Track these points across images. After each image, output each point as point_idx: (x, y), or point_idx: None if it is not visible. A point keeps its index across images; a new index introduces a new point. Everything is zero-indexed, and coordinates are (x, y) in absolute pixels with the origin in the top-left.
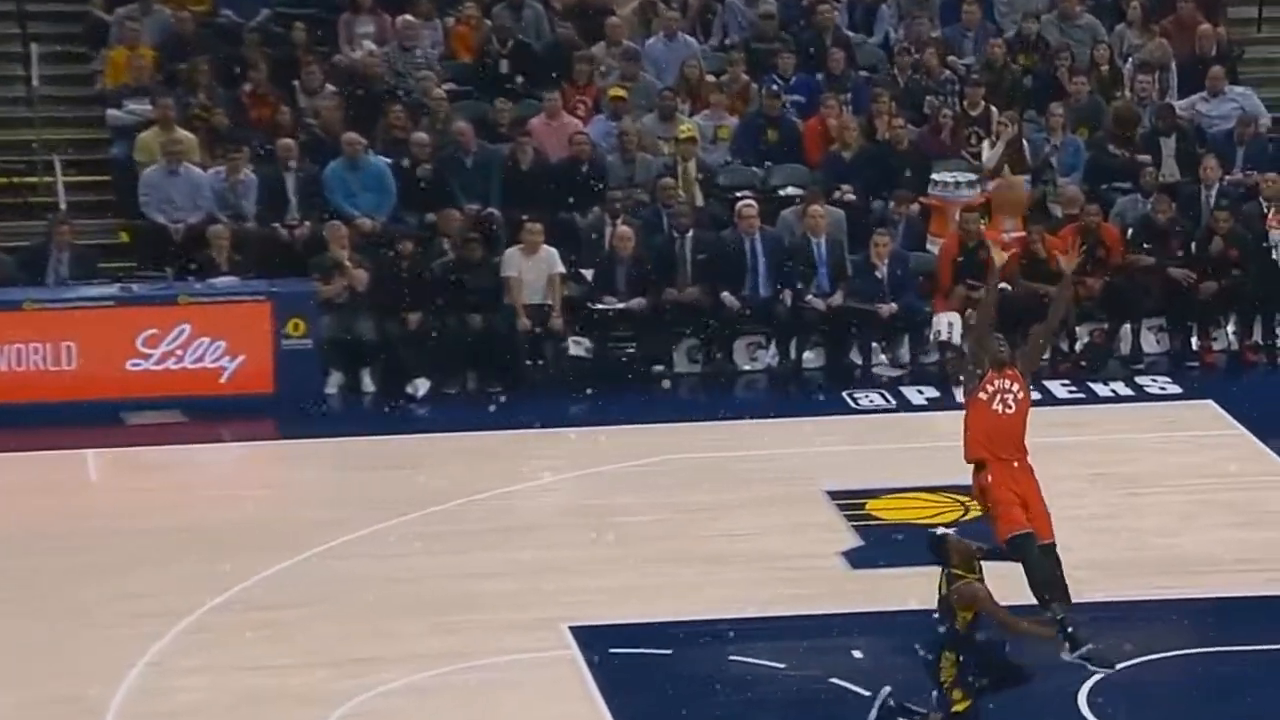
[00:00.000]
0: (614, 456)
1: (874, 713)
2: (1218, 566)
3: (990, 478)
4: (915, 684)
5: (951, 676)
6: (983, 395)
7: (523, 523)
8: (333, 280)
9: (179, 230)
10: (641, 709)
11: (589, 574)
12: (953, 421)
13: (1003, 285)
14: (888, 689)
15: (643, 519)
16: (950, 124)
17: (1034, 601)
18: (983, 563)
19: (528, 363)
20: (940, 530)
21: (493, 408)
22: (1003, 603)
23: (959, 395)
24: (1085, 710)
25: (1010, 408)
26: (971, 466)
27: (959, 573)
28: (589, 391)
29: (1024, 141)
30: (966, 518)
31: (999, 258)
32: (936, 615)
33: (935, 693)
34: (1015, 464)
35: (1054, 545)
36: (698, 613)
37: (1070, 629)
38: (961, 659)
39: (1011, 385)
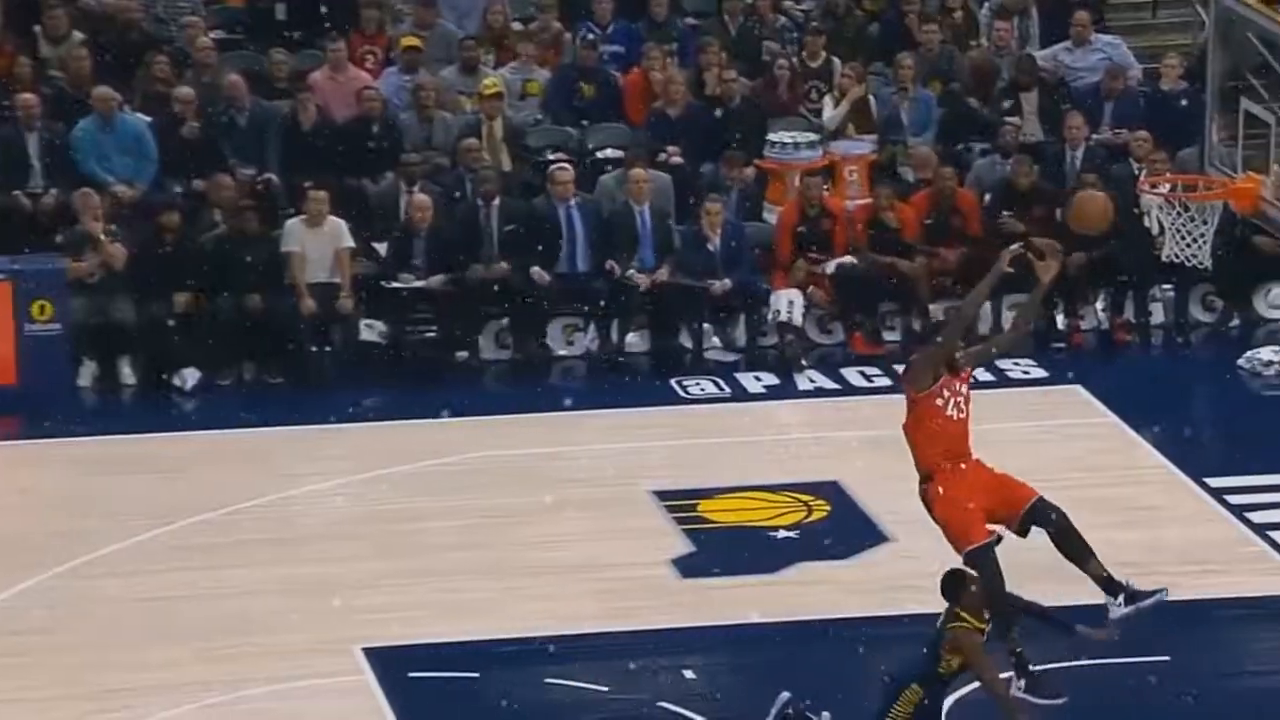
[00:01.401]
0: (411, 455)
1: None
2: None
3: (941, 489)
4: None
5: (905, 713)
6: (939, 401)
7: (305, 533)
8: (85, 257)
9: None
10: None
11: (383, 590)
12: (794, 411)
13: (846, 258)
14: (786, 695)
15: (444, 525)
16: (788, 77)
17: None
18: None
19: (313, 349)
20: (963, 570)
21: (271, 401)
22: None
23: (800, 382)
24: None
25: (963, 411)
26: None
27: (965, 617)
28: (383, 382)
29: (870, 97)
30: (810, 519)
31: (1044, 271)
32: (925, 649)
33: None
34: (963, 465)
35: (1040, 502)
36: (509, 631)
37: (1029, 665)
38: (925, 701)
39: (962, 388)
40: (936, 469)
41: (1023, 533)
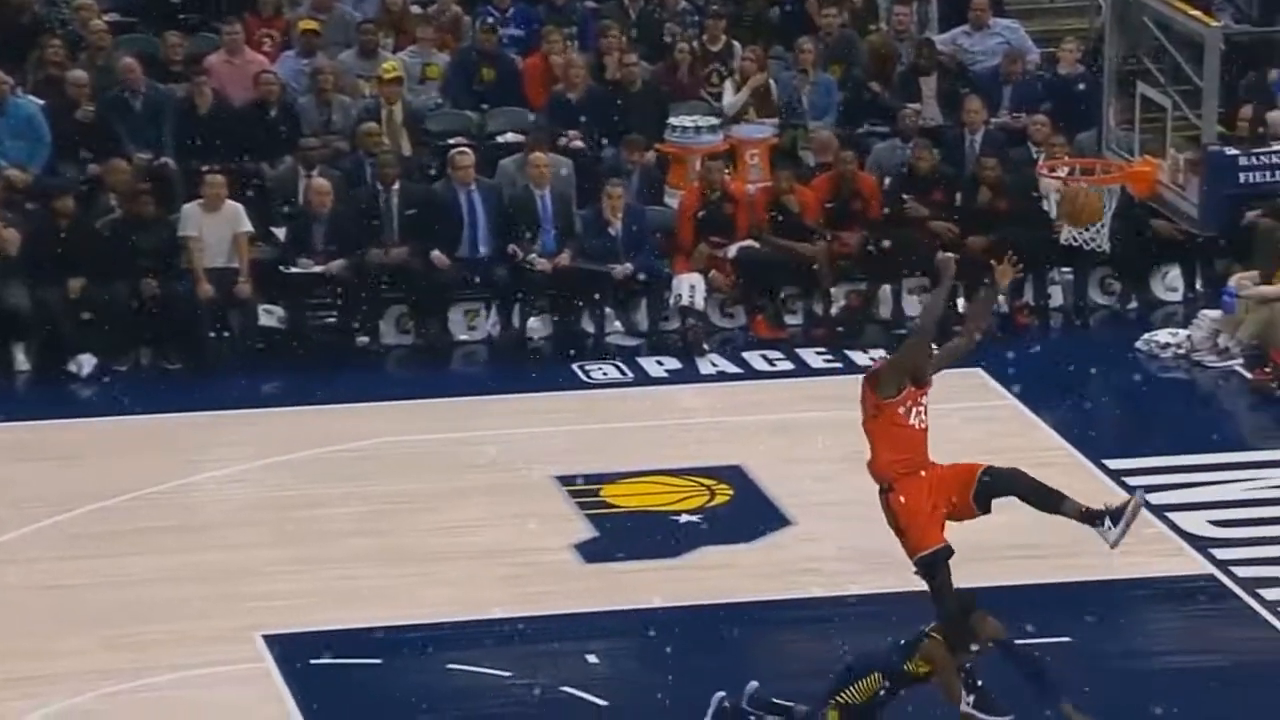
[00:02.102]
0: (312, 441)
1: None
2: (993, 554)
3: (903, 499)
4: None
5: (860, 699)
6: (902, 410)
7: (206, 520)
8: None
9: None
10: None
11: (284, 577)
12: (697, 396)
13: (748, 242)
14: (721, 694)
15: (346, 511)
16: (688, 61)
17: None
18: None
19: (211, 335)
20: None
21: (169, 387)
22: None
23: (703, 366)
24: None
25: (924, 421)
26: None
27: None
28: (282, 367)
29: (771, 82)
30: (713, 503)
31: (1002, 275)
32: (901, 642)
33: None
34: (922, 472)
35: (986, 474)
36: (411, 617)
37: (979, 685)
38: (882, 692)
39: (924, 398)
40: (896, 478)
41: (985, 511)
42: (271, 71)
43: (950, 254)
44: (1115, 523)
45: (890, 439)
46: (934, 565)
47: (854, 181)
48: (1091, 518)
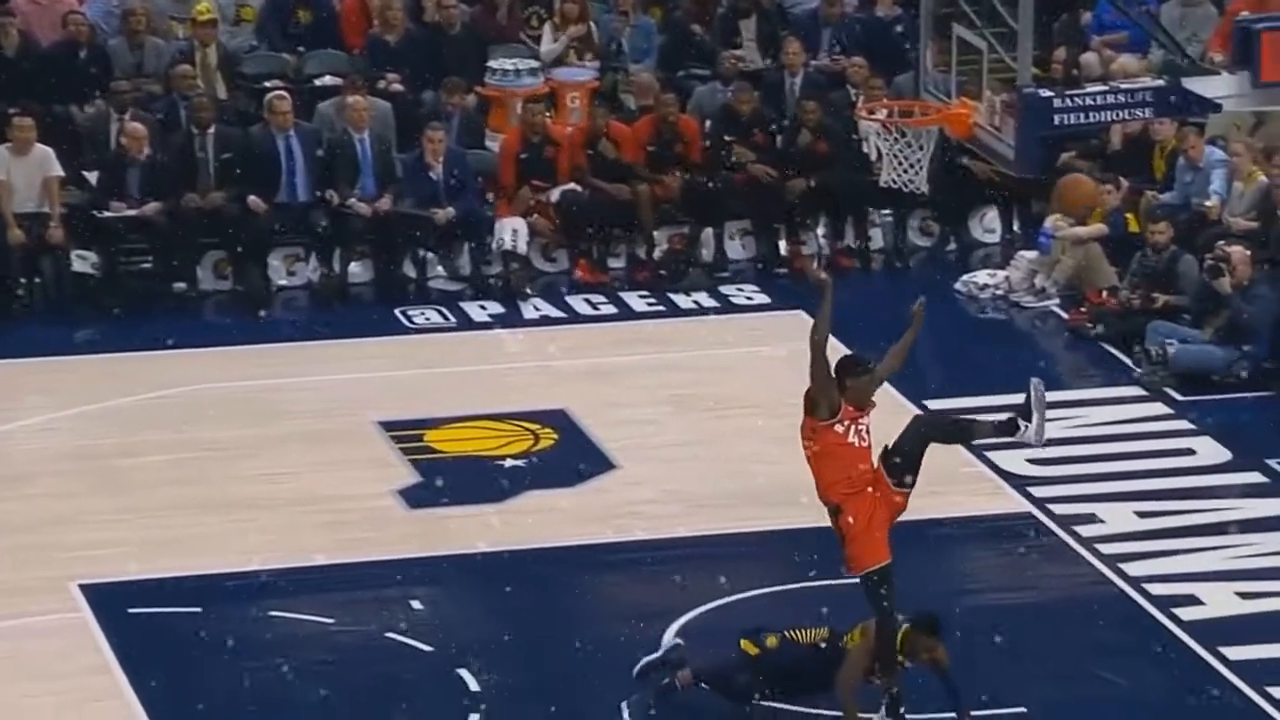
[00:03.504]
0: (127, 389)
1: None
2: (810, 495)
3: (851, 520)
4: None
5: (803, 639)
6: (839, 429)
7: (16, 470)
8: None
9: None
10: (169, 676)
11: (99, 526)
12: (520, 340)
13: (570, 185)
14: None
15: (164, 459)
16: (508, 3)
17: None
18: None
19: (21, 281)
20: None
21: None
22: None
23: (526, 310)
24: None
25: (865, 440)
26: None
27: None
28: (97, 314)
29: (591, 24)
30: (537, 447)
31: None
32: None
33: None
34: (869, 489)
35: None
36: (231, 565)
37: (898, 705)
38: (823, 645)
39: (864, 417)
40: (844, 499)
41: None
42: (80, 12)
43: (825, 276)
44: (1028, 418)
45: (833, 460)
46: (879, 583)
47: (675, 125)
48: (1007, 428)
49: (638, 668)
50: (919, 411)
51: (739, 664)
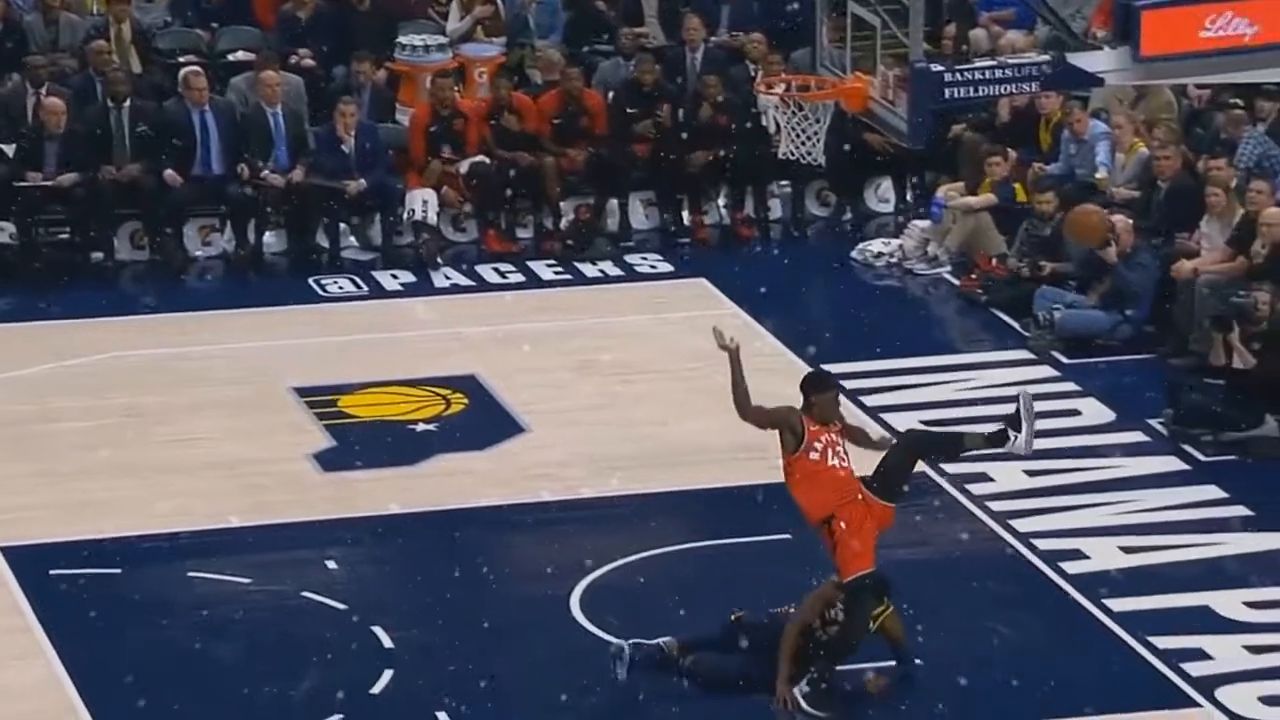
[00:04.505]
0: (43, 356)
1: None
2: (713, 456)
3: (843, 524)
4: None
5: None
6: (814, 455)
7: None
8: None
9: None
10: (89, 634)
11: (18, 490)
12: (431, 308)
13: (479, 157)
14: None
15: (82, 426)
16: None
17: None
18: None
19: None
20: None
21: None
22: None
23: (437, 279)
24: (578, 614)
25: (843, 457)
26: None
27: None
28: (13, 283)
29: (498, 2)
30: (449, 412)
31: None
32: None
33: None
34: (859, 496)
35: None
36: (150, 527)
37: (823, 687)
38: (790, 608)
39: (836, 437)
40: (836, 508)
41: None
42: None
43: (732, 343)
44: (1017, 428)
45: (813, 485)
46: (861, 590)
47: (580, 98)
48: (997, 439)
49: (626, 651)
50: (909, 428)
51: (729, 632)
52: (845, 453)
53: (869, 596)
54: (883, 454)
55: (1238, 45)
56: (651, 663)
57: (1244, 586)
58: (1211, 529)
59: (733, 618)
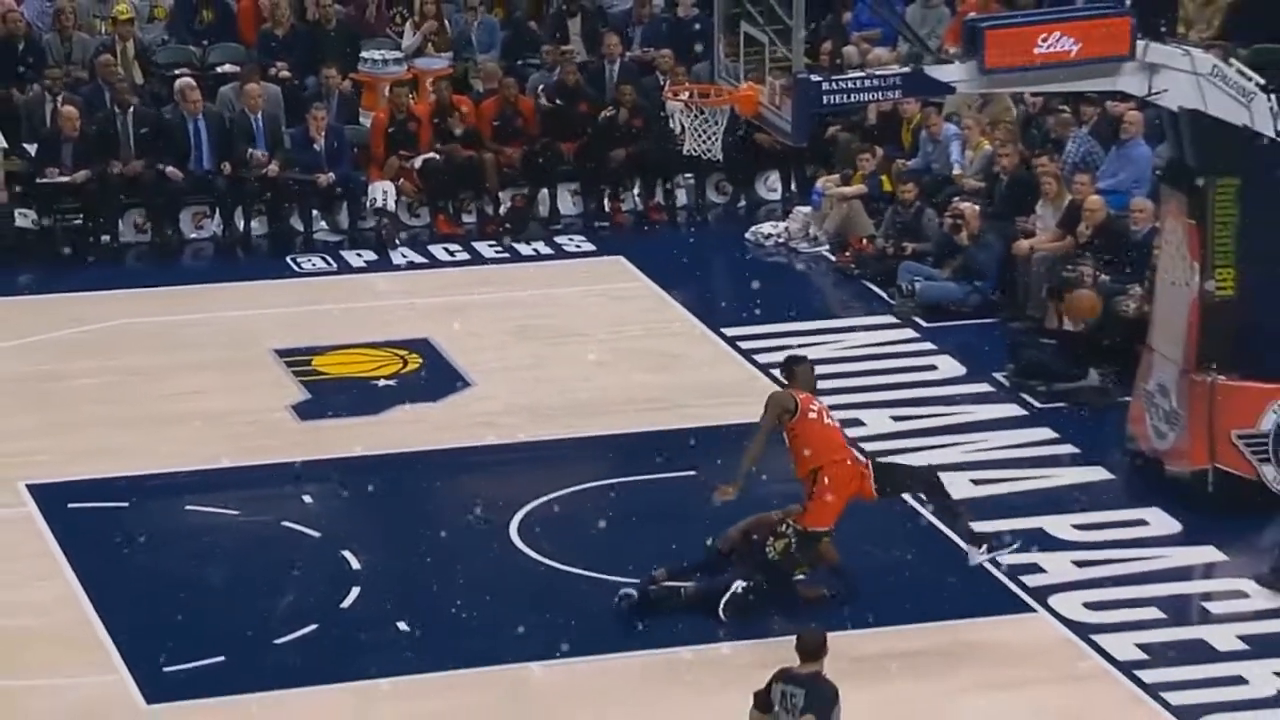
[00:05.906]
0: (61, 324)
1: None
2: (630, 406)
3: (827, 479)
4: None
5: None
6: (810, 415)
7: None
8: None
9: None
10: (102, 557)
11: (41, 436)
12: (391, 282)
13: (429, 154)
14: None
15: (93, 383)
16: (376, 3)
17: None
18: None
19: None
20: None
21: None
22: None
23: (395, 258)
24: (517, 540)
25: (832, 419)
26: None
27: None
28: (35, 261)
29: (445, 21)
30: (406, 370)
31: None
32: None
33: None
34: (847, 461)
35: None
36: (153, 468)
37: (750, 599)
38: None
39: (822, 404)
40: (825, 464)
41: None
42: (18, 11)
43: (731, 493)
44: (979, 549)
45: (807, 440)
46: (813, 541)
47: (515, 104)
48: (971, 538)
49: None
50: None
51: (712, 559)
52: (832, 418)
53: (815, 549)
54: (908, 464)
55: (1065, 59)
56: (646, 598)
57: (1072, 512)
58: (1045, 464)
59: (709, 542)
